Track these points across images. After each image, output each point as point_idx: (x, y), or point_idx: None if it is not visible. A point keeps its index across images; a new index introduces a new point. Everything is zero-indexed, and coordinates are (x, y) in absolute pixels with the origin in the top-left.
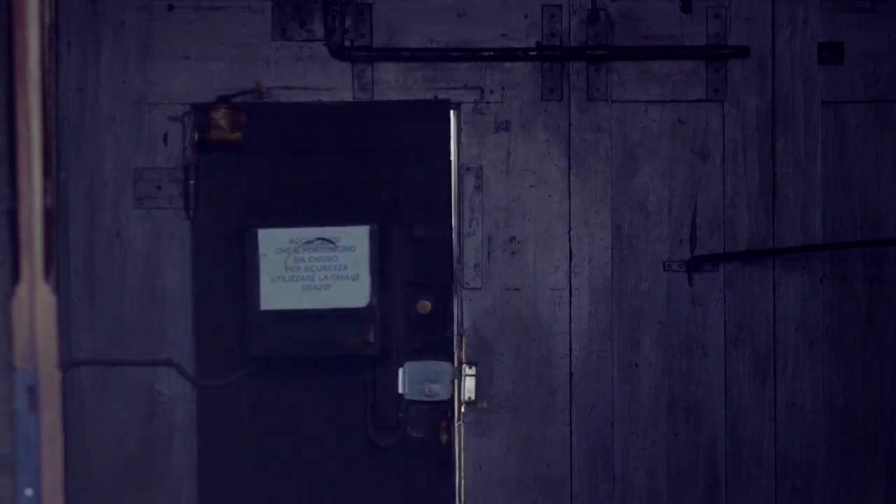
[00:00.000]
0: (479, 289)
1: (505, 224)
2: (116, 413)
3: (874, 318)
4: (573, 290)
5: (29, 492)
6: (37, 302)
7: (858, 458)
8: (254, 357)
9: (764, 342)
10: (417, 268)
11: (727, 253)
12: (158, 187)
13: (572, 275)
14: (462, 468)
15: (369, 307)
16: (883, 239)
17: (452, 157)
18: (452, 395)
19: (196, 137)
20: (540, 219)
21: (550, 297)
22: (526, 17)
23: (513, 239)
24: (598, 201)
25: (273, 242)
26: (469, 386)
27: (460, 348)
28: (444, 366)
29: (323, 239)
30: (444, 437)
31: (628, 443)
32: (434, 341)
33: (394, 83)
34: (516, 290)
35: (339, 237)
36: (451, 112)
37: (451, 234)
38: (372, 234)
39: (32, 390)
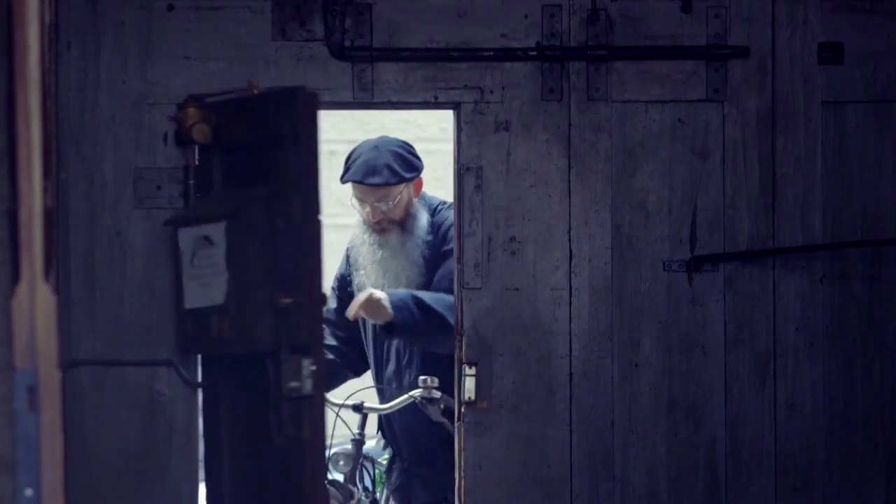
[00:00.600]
0: (479, 289)
1: (505, 224)
2: (116, 413)
3: (874, 318)
4: (573, 290)
5: (29, 492)
6: (37, 302)
7: (858, 458)
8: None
9: (764, 342)
10: (287, 262)
11: (727, 253)
12: (158, 187)
13: (572, 275)
14: (462, 468)
15: (226, 304)
16: (883, 239)
17: (453, 157)
18: (315, 391)
19: (167, 136)
20: (540, 219)
21: (550, 297)
22: (526, 17)
23: (513, 239)
24: (598, 201)
25: (185, 241)
26: (469, 386)
27: (460, 348)
28: (305, 362)
29: (205, 237)
30: (306, 435)
31: (628, 443)
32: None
33: (394, 83)
34: (516, 290)
35: (212, 234)
36: (302, 98)
37: (320, 226)
38: (228, 230)
39: (32, 390)
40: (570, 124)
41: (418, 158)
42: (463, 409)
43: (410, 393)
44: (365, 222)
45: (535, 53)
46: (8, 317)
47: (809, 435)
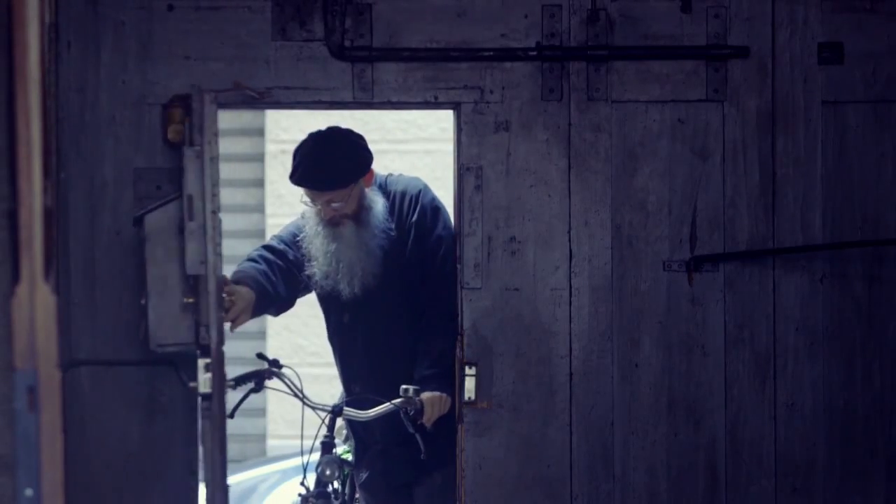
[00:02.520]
0: (479, 289)
1: (505, 224)
2: (116, 413)
3: (874, 318)
4: (573, 290)
5: (29, 492)
6: (37, 302)
7: (858, 458)
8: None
9: (764, 342)
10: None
11: (727, 253)
12: (158, 187)
13: (572, 275)
14: (462, 468)
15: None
16: (883, 239)
17: (453, 157)
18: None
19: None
20: (540, 219)
21: (550, 297)
22: (526, 17)
23: (513, 239)
24: (598, 201)
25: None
26: (469, 386)
27: (460, 348)
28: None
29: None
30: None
31: (628, 443)
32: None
33: (394, 83)
34: (516, 290)
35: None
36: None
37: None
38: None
39: (32, 390)
40: (570, 124)
41: (367, 151)
42: (463, 409)
43: (393, 402)
44: (318, 218)
45: (535, 53)
46: (8, 317)
47: (809, 435)
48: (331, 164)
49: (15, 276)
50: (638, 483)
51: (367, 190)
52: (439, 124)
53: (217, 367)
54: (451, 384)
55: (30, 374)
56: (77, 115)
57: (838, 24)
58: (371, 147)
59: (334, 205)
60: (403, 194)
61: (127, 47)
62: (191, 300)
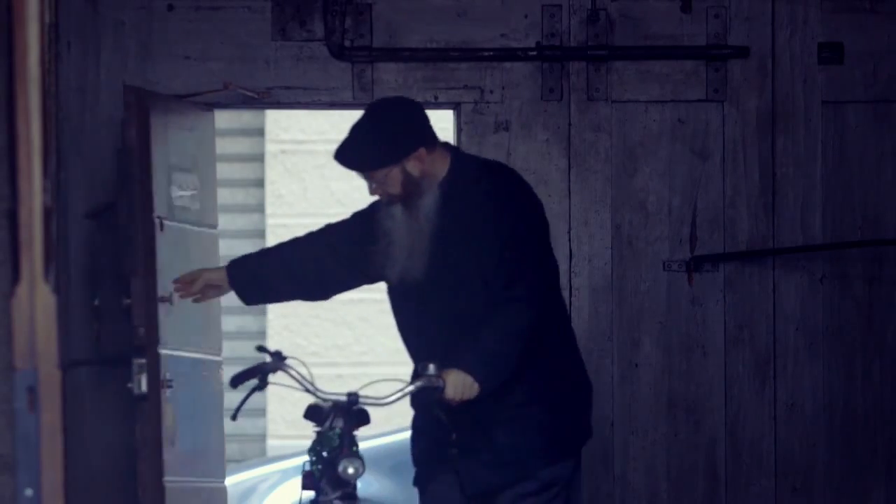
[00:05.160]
0: None
1: None
2: (116, 413)
3: (874, 318)
4: (573, 289)
5: (29, 492)
6: (37, 302)
7: (858, 458)
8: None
9: (764, 342)
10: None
11: (727, 253)
12: None
13: (572, 275)
14: None
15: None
16: (883, 239)
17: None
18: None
19: None
20: None
21: None
22: (526, 17)
23: None
24: (598, 201)
25: None
26: None
27: None
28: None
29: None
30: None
31: (628, 443)
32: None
33: (394, 83)
34: None
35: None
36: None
37: (152, 226)
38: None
39: (32, 390)
40: (570, 124)
41: (412, 134)
42: None
43: (415, 384)
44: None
45: (534, 53)
46: (8, 317)
47: (809, 435)
48: (360, 146)
49: (15, 276)
50: (638, 483)
51: (416, 176)
52: (439, 124)
53: (152, 369)
54: (483, 371)
55: (30, 374)
56: (77, 115)
57: (838, 24)
58: None
59: (374, 184)
60: (478, 182)
61: (127, 47)
62: (128, 301)
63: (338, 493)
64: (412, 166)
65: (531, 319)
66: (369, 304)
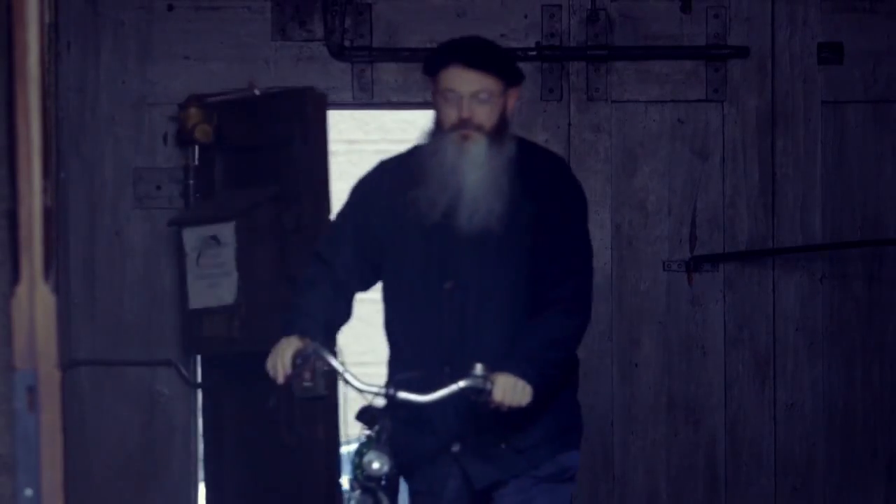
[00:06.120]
0: None
1: None
2: (116, 413)
3: (874, 318)
4: None
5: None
6: (37, 302)
7: (858, 458)
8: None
9: (764, 342)
10: (294, 260)
11: (727, 253)
12: (158, 187)
13: None
14: None
15: (236, 304)
16: (883, 239)
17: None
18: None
19: (167, 135)
20: None
21: None
22: (526, 17)
23: None
24: (597, 201)
25: (190, 241)
26: None
27: None
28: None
29: (212, 237)
30: (320, 435)
31: (628, 443)
32: None
33: (393, 83)
34: None
35: (220, 234)
36: (311, 99)
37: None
38: (238, 229)
39: (32, 390)
40: (569, 124)
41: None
42: None
43: (458, 384)
44: (446, 123)
45: (534, 53)
46: (8, 317)
47: (809, 435)
48: (493, 48)
49: (15, 276)
50: (638, 483)
51: (508, 117)
52: None
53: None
54: (536, 377)
55: (30, 374)
56: (77, 115)
57: (838, 24)
58: (371, 147)
59: (481, 97)
60: (547, 155)
61: (127, 47)
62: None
63: (360, 490)
64: (511, 101)
65: (586, 322)
66: (369, 304)
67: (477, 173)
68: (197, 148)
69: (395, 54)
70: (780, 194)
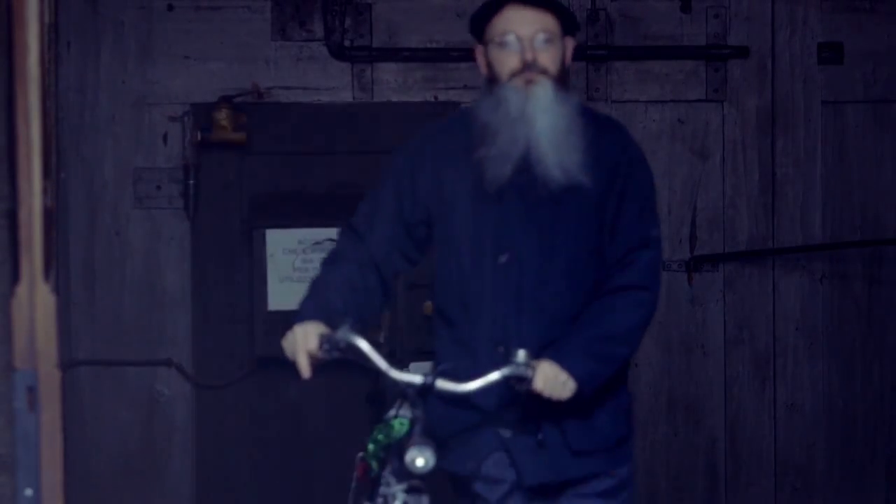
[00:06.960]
0: None
1: None
2: (116, 413)
3: (874, 318)
4: None
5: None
6: (36, 302)
7: (858, 458)
8: (259, 357)
9: (764, 342)
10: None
11: (727, 253)
12: (158, 187)
13: None
14: None
15: None
16: (883, 239)
17: None
18: None
19: (199, 137)
20: None
21: None
22: None
23: None
24: None
25: (280, 243)
26: None
27: None
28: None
29: (332, 240)
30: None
31: None
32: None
33: (393, 83)
34: None
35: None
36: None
37: None
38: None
39: (32, 390)
40: None
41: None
42: None
43: (500, 371)
44: (504, 74)
45: None
46: (8, 317)
47: (809, 435)
48: None
49: (15, 276)
50: (638, 483)
51: (567, 60)
52: None
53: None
54: (582, 373)
55: (30, 374)
56: (77, 115)
57: (838, 24)
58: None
59: (542, 37)
60: (611, 121)
61: (127, 47)
62: (431, 307)
63: (402, 486)
64: (568, 52)
65: (652, 313)
66: None
67: (547, 119)
68: (198, 149)
69: (395, 54)
70: (780, 194)
